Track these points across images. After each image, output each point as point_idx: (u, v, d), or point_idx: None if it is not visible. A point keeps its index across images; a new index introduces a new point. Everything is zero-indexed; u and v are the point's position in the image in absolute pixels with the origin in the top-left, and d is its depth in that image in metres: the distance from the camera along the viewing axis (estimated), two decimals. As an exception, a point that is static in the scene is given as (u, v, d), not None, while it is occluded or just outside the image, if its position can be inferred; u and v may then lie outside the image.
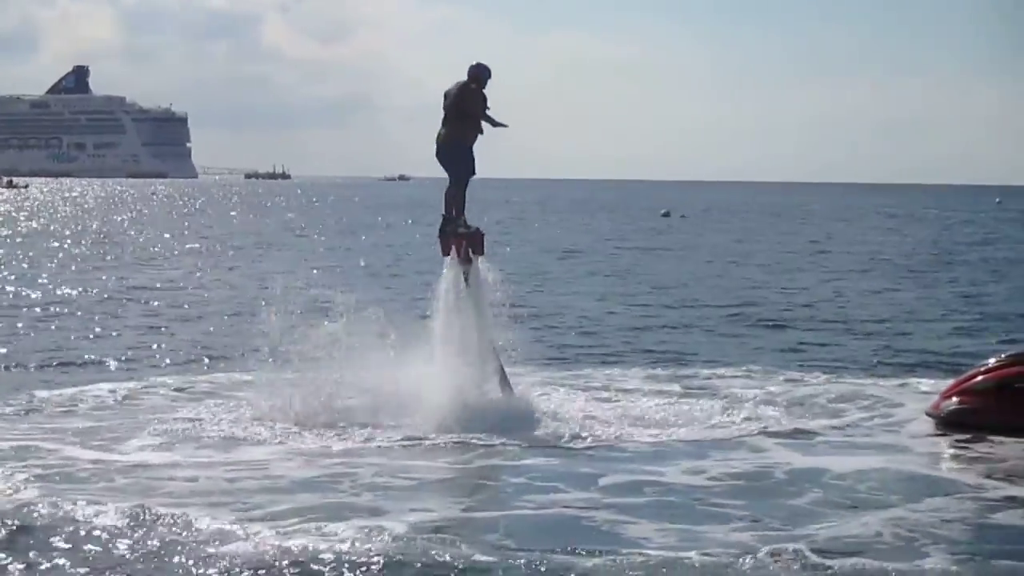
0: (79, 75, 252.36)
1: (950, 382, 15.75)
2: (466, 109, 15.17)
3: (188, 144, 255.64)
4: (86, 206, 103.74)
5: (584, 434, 14.22)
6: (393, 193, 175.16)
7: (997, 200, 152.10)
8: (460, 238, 15.37)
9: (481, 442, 13.77)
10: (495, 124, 15.36)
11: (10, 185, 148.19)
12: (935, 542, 10.31)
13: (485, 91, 15.32)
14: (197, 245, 52.38)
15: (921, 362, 20.51)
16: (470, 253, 15.36)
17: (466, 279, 15.30)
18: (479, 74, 15.27)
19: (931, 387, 17.10)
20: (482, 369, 15.24)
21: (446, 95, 15.32)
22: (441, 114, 15.39)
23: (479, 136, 15.35)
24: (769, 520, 10.90)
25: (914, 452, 13.83)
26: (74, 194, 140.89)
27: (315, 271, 31.71)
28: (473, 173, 15.49)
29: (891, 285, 35.18)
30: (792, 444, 14.04)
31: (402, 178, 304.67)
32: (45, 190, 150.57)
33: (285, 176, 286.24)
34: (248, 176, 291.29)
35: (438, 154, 15.35)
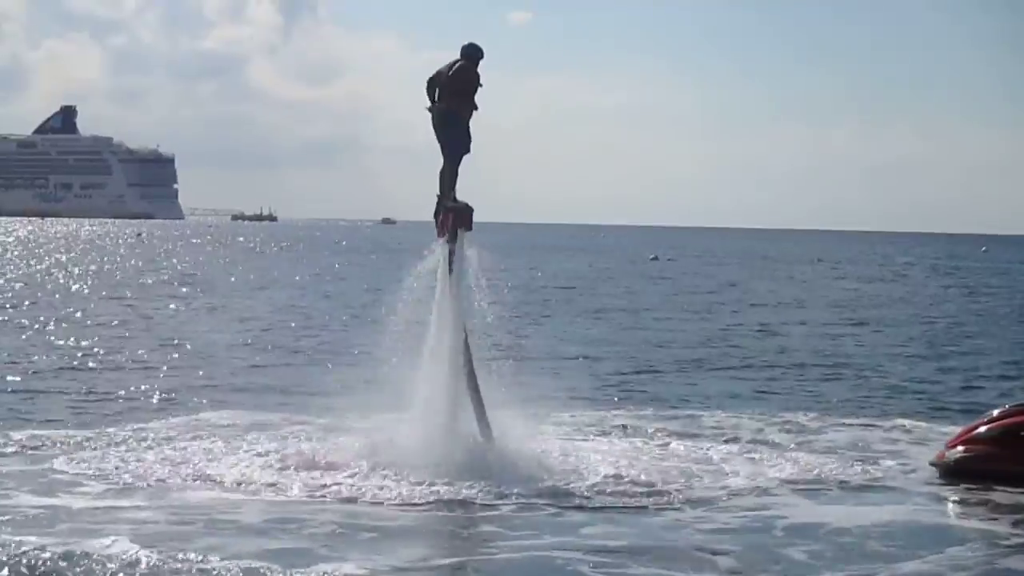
0: (67, 115, 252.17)
1: (956, 431, 15.67)
2: (461, 86, 14.97)
3: (175, 185, 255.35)
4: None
5: (571, 481, 13.78)
6: (384, 236, 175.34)
7: (983, 248, 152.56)
8: (447, 212, 14.90)
9: (454, 494, 13.18)
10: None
11: None
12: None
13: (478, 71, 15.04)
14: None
15: (912, 410, 20.30)
16: (457, 230, 14.79)
17: (450, 265, 14.69)
18: (472, 53, 15.11)
19: (925, 432, 17.16)
20: (458, 404, 14.65)
21: (439, 74, 15.10)
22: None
23: (474, 112, 15.05)
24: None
25: (920, 502, 13.60)
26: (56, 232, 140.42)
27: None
28: (468, 150, 15.15)
29: (879, 330, 35.08)
30: (792, 493, 13.76)
31: (387, 221, 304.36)
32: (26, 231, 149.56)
33: (272, 218, 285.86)
34: (235, 217, 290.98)
35: (435, 126, 15.08)
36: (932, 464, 15.01)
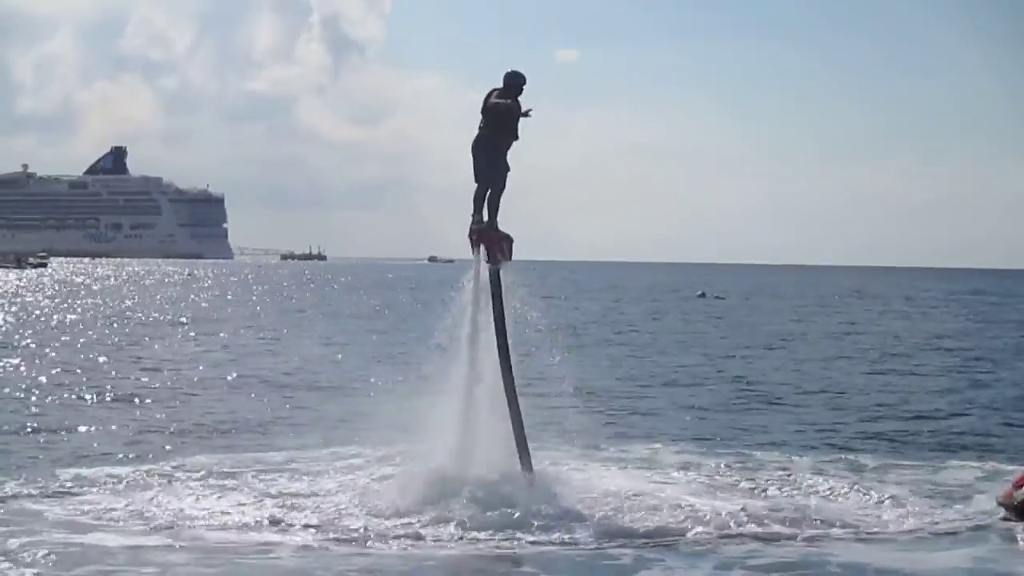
0: (117, 156, 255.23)
1: (1021, 471, 15.08)
2: (497, 114, 14.70)
3: (224, 225, 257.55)
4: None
5: (619, 521, 13.27)
6: (430, 274, 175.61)
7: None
8: (478, 234, 14.71)
9: (490, 537, 12.70)
10: (524, 115, 14.74)
11: (20, 264, 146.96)
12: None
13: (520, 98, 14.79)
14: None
15: (972, 444, 19.86)
16: (498, 255, 14.60)
17: (493, 288, 14.45)
18: (512, 81, 14.87)
19: (990, 471, 16.71)
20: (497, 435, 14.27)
21: (485, 99, 14.87)
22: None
23: (514, 142, 14.78)
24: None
25: (994, 544, 13.03)
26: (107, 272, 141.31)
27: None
28: (501, 178, 14.78)
29: (935, 371, 34.31)
30: (853, 537, 13.15)
31: (432, 259, 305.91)
32: (67, 270, 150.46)
33: (321, 257, 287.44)
34: (284, 257, 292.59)
35: (472, 151, 14.84)
36: (1000, 503, 14.44)
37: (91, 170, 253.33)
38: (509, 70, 14.92)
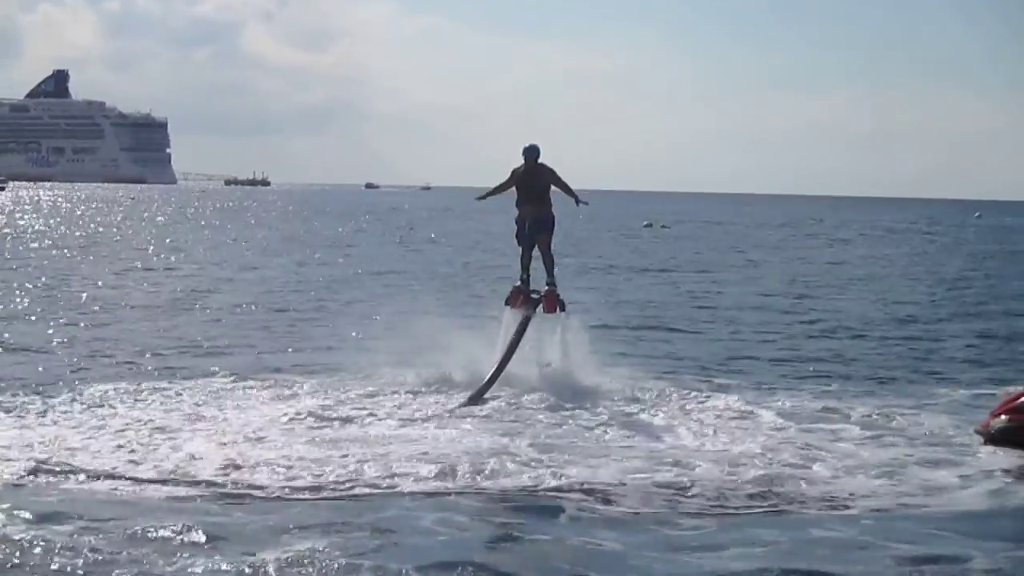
0: (59, 79, 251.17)
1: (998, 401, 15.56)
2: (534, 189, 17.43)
3: (168, 150, 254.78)
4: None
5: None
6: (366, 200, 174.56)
7: (977, 215, 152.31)
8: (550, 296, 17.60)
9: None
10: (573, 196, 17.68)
11: None
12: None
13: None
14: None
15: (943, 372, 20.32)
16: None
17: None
18: (528, 154, 17.25)
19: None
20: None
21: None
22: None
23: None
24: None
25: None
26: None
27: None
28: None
29: (896, 298, 34.59)
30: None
31: (369, 186, 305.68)
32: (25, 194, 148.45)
33: (265, 183, 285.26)
34: (228, 182, 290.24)
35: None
36: (977, 432, 14.76)
37: (32, 93, 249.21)
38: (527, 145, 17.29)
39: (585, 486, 11.88)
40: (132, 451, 12.99)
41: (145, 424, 14.38)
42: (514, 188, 17.50)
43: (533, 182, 17.22)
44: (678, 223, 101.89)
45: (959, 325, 27.84)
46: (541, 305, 17.37)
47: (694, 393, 17.17)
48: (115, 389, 16.54)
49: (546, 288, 17.45)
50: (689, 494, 11.74)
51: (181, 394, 16.40)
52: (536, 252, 17.56)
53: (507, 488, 11.79)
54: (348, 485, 11.78)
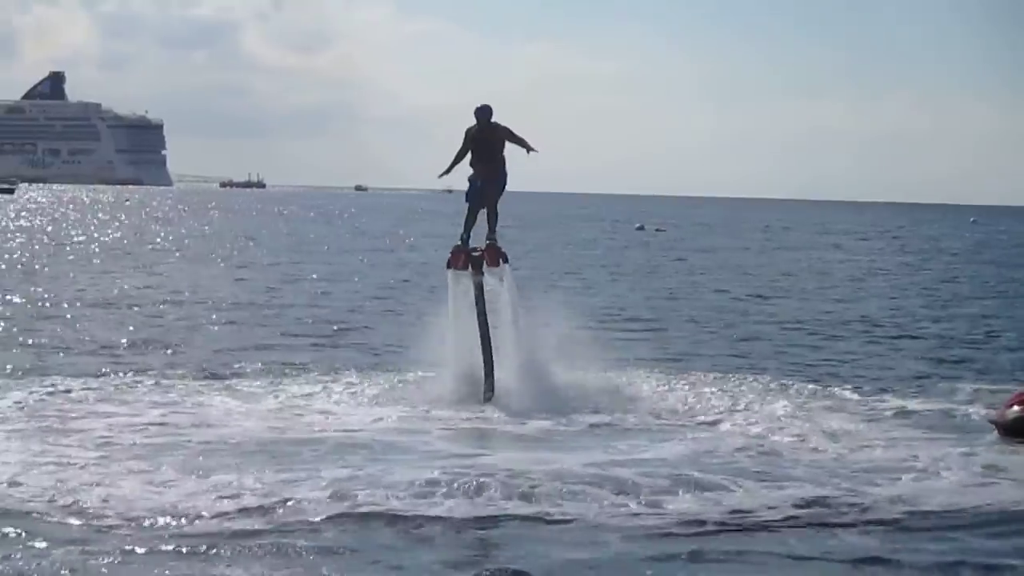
0: (55, 81, 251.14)
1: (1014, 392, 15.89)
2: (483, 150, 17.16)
3: (163, 151, 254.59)
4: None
5: None
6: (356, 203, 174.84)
7: (972, 220, 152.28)
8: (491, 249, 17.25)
9: None
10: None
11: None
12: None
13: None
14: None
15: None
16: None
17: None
18: (479, 114, 17.04)
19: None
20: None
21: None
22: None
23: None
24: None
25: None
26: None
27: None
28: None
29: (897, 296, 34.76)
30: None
31: (359, 188, 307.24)
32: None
33: (260, 185, 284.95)
34: (223, 185, 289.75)
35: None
36: (992, 422, 15.13)
37: (28, 95, 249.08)
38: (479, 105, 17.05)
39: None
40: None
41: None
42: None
43: (487, 141, 17.14)
44: (674, 227, 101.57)
45: (967, 324, 28.16)
46: (484, 262, 17.24)
47: (667, 385, 17.86)
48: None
49: (486, 243, 17.31)
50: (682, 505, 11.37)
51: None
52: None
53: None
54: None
